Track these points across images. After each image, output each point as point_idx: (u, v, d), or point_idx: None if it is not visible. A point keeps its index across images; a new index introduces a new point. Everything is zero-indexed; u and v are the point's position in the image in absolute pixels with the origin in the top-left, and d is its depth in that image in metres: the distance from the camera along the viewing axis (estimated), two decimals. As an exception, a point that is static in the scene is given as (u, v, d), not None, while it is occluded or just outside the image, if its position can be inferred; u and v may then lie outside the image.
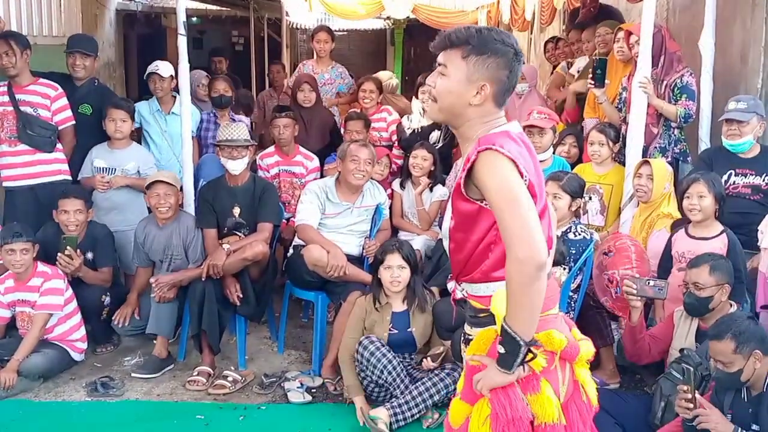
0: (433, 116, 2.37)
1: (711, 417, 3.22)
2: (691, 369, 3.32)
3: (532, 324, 2.12)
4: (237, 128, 5.21)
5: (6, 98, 5.34)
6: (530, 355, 2.14)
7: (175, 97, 6.03)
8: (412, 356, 4.40)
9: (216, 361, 4.86)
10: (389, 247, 4.46)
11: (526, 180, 2.13)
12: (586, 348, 2.37)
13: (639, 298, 3.93)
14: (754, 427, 3.22)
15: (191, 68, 5.49)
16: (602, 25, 6.46)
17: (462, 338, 2.43)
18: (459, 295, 2.41)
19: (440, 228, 5.40)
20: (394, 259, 4.35)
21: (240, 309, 4.92)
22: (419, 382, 4.18)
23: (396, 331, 4.36)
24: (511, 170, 2.11)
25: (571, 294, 4.23)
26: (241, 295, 4.84)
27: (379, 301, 4.41)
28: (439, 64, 2.28)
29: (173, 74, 6.01)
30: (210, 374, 4.73)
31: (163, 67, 6.06)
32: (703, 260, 3.84)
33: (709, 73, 5.21)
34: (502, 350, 2.15)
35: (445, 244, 2.41)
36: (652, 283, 3.91)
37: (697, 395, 3.29)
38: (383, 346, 4.25)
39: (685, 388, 3.30)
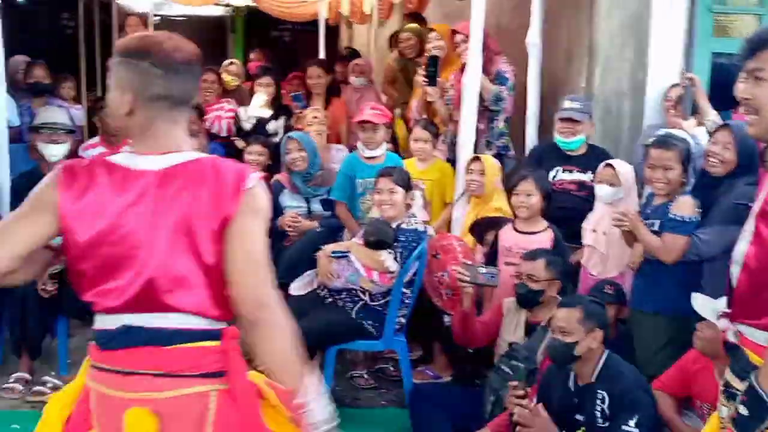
0: (755, 132, 2.09)
1: (536, 422, 3.31)
2: (521, 366, 3.41)
3: None
4: (58, 112, 5.04)
5: None
6: None
7: None
8: None
9: (35, 366, 4.57)
10: None
11: None
12: None
13: (471, 285, 3.98)
14: (579, 416, 3.33)
15: (16, 52, 5.17)
16: (405, 30, 6.58)
17: (723, 389, 2.15)
18: (731, 338, 2.15)
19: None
20: None
21: (64, 307, 4.62)
22: None
23: None
24: None
25: (404, 290, 4.24)
26: (54, 289, 4.52)
27: None
28: (754, 71, 2.02)
29: None
30: (28, 381, 4.45)
31: None
32: (540, 255, 3.95)
33: (535, 71, 5.40)
34: (744, 412, 1.95)
35: (733, 271, 2.12)
36: (484, 270, 3.96)
37: (529, 391, 3.38)
38: None
39: (515, 383, 3.39)
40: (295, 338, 2.03)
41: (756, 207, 2.08)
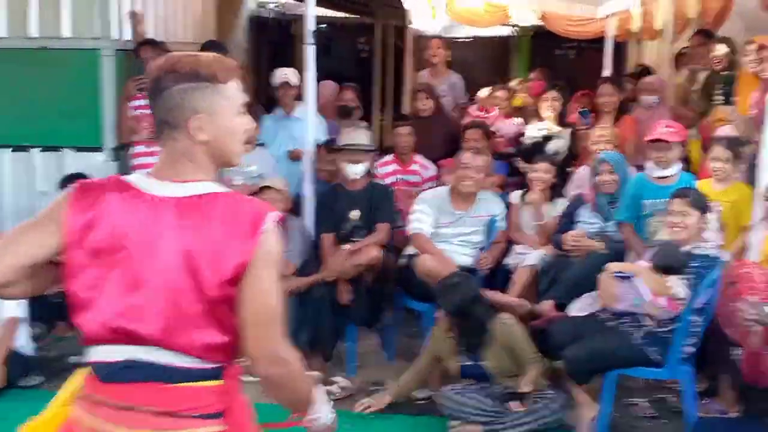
0: None
1: None
2: None
3: None
4: (358, 133, 5.32)
5: (144, 102, 5.63)
6: None
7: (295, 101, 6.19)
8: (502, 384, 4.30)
9: (326, 367, 4.90)
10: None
11: None
12: None
13: (757, 324, 3.69)
14: None
15: (321, 77, 5.63)
16: (718, 42, 6.17)
17: None
18: None
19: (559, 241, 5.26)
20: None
21: (353, 315, 4.96)
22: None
23: (469, 363, 4.30)
24: None
25: (693, 318, 4.02)
26: (352, 297, 4.86)
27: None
28: None
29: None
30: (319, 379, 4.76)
31: (292, 76, 6.24)
32: None
33: None
34: None
35: None
36: None
37: None
38: (463, 389, 4.25)
39: None
40: (310, 384, 2.02)
41: None
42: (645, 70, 8.03)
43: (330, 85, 7.12)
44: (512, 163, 6.51)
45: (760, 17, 6.22)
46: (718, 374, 4.51)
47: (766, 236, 4.55)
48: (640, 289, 4.08)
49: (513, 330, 4.29)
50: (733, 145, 4.95)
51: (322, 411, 2.06)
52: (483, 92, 6.71)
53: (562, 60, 14.19)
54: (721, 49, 6.04)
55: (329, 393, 4.58)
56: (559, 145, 6.30)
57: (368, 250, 4.90)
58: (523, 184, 5.77)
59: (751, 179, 4.88)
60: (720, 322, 4.18)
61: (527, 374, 4.16)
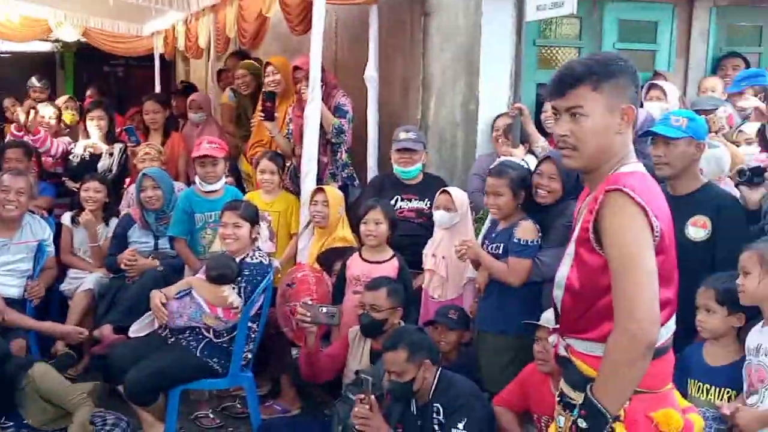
0: (576, 165, 2.18)
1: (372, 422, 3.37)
2: (369, 379, 3.45)
3: (623, 399, 2.03)
4: None
5: None
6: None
7: None
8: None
9: None
10: None
11: (657, 233, 2.00)
12: (699, 422, 2.26)
13: (313, 324, 4.00)
14: (422, 435, 3.39)
15: None
16: (241, 67, 6.66)
17: (559, 399, 2.24)
18: (562, 351, 2.25)
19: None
20: None
21: None
22: None
23: (9, 424, 3.87)
24: (638, 221, 1.99)
25: (250, 325, 4.19)
26: None
27: None
28: (571, 108, 2.13)
29: None
30: None
31: None
32: (382, 284, 4.00)
33: (374, 104, 5.51)
34: (584, 425, 2.06)
35: (557, 294, 2.25)
36: (324, 309, 4.02)
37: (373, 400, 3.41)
38: None
39: (362, 396, 3.43)
40: None
41: (575, 233, 2.22)
42: (190, 87, 8.19)
43: None
44: (61, 184, 6.19)
45: (293, 39, 6.72)
46: (279, 375, 4.76)
47: (311, 241, 4.93)
48: (198, 302, 4.13)
49: (47, 380, 3.97)
50: (275, 157, 5.28)
51: None
52: (19, 114, 6.31)
53: (112, 77, 13.93)
54: (242, 73, 6.47)
55: None
56: (109, 163, 6.14)
57: None
58: (75, 205, 5.53)
59: (296, 190, 5.25)
60: (279, 324, 4.43)
61: (74, 420, 3.86)
